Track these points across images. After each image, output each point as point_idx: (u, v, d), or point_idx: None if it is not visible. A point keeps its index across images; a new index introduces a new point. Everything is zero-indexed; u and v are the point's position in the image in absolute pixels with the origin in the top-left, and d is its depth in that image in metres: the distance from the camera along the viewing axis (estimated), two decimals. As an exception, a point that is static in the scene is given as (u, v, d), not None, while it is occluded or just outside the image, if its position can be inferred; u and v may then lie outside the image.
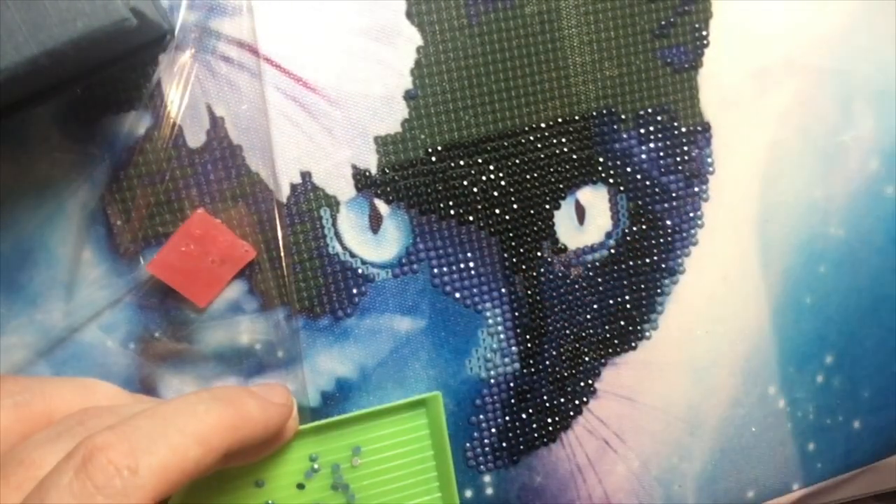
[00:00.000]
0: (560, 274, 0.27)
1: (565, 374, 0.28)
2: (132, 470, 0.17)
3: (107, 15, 0.19)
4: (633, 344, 0.29)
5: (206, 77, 0.24)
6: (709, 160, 0.28)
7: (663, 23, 0.27)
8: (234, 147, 0.24)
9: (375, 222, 0.26)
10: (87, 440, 0.18)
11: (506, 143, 0.26)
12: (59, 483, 0.17)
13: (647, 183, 0.28)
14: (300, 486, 0.26)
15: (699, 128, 0.28)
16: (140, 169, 0.24)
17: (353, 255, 0.26)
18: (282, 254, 0.25)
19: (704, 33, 0.27)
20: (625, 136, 0.27)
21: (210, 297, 0.24)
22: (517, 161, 0.26)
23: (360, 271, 0.26)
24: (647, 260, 0.28)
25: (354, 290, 0.26)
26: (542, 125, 0.26)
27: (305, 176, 0.25)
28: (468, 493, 0.28)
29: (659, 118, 0.27)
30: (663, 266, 0.28)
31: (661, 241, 0.28)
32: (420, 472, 0.27)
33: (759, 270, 0.29)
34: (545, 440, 0.28)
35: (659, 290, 0.28)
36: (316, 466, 0.26)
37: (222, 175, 0.24)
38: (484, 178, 0.26)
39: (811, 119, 0.28)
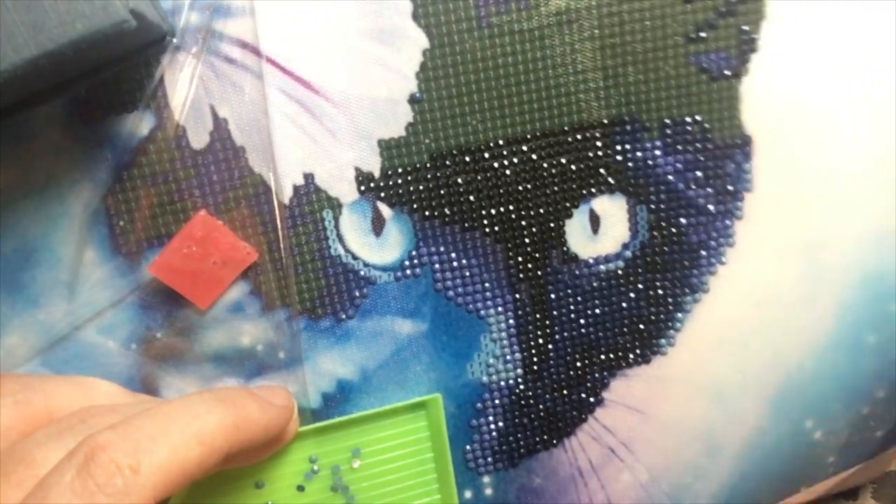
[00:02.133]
0: (570, 283, 0.27)
1: (571, 382, 0.28)
2: (134, 469, 0.18)
3: (106, 16, 0.19)
4: (648, 358, 0.27)
5: (210, 78, 0.23)
6: (747, 177, 0.26)
7: (700, 25, 0.24)
8: (236, 148, 0.24)
9: (378, 225, 0.25)
10: (88, 439, 0.18)
11: (514, 149, 0.25)
12: (61, 481, 0.17)
13: (672, 196, 0.26)
14: (300, 488, 0.26)
15: (738, 141, 0.25)
16: (143, 170, 0.24)
17: (355, 258, 0.26)
18: (283, 255, 0.25)
19: (755, 37, 0.24)
20: (648, 145, 0.25)
21: (211, 299, 0.24)
22: (526, 167, 0.25)
23: (361, 273, 0.26)
24: (668, 275, 0.27)
25: (356, 292, 0.26)
26: (556, 131, 0.25)
27: (308, 178, 0.25)
28: (467, 494, 0.28)
29: (689, 129, 0.25)
30: (685, 283, 0.27)
31: (685, 256, 0.26)
32: (420, 473, 0.27)
33: (807, 302, 0.26)
34: (546, 445, 0.28)
35: (679, 307, 0.27)
36: (316, 468, 0.26)
37: (225, 176, 0.24)
38: (490, 184, 0.25)
39: (883, 140, 0.25)
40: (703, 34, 0.24)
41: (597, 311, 0.27)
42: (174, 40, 0.23)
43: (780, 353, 0.27)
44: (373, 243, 0.26)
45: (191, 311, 0.25)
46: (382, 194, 0.25)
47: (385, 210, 0.25)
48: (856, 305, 0.27)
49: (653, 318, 0.27)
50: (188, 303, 0.24)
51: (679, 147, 0.25)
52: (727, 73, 0.25)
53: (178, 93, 0.23)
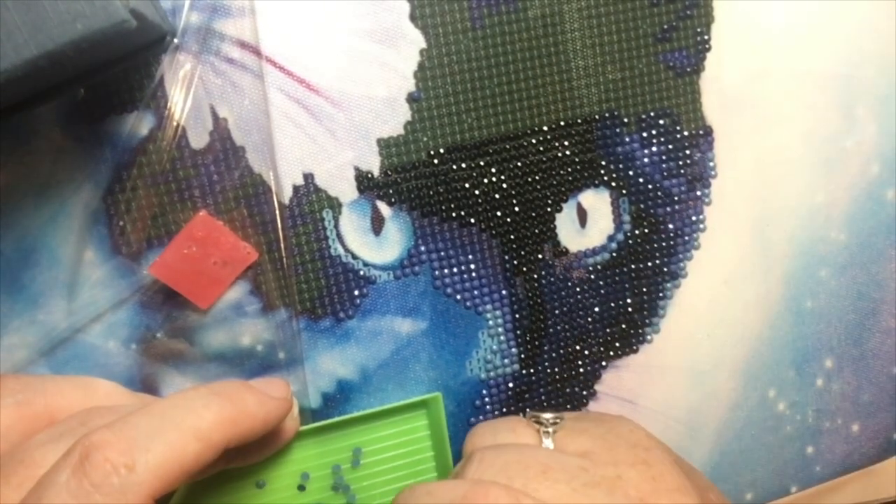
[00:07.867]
0: (561, 276, 0.27)
1: (565, 375, 0.28)
2: (129, 467, 0.17)
3: (106, 16, 0.19)
4: (635, 347, 0.29)
5: (210, 78, 0.24)
6: (711, 164, 0.28)
7: (665, 27, 0.26)
8: (236, 148, 0.24)
9: (377, 224, 0.26)
10: (83, 438, 0.18)
11: (508, 146, 0.26)
12: (57, 481, 0.17)
13: (650, 186, 0.27)
14: (301, 488, 0.26)
15: (701, 132, 0.28)
16: (143, 170, 0.24)
17: (354, 257, 0.26)
18: (284, 255, 0.25)
19: (706, 37, 0.27)
20: (627, 139, 0.27)
21: (212, 299, 0.24)
22: (519, 164, 0.26)
23: (361, 273, 0.26)
24: (650, 263, 0.28)
25: (356, 292, 0.26)
26: (545, 128, 0.26)
27: (308, 177, 0.25)
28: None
29: (661, 122, 0.27)
30: (665, 270, 0.28)
31: (664, 244, 0.28)
32: (420, 472, 0.27)
33: (760, 274, 0.29)
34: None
35: (661, 294, 0.28)
36: (316, 468, 0.26)
37: (225, 176, 0.24)
38: (486, 180, 0.26)
39: (813, 123, 0.28)
40: (668, 35, 0.27)
41: (587, 302, 0.28)
42: (174, 40, 0.23)
43: (745, 325, 0.29)
44: (372, 242, 0.26)
45: (191, 311, 0.25)
46: (381, 193, 0.25)
47: (384, 209, 0.26)
48: (794, 273, 0.29)
49: (639, 306, 0.28)
50: (188, 303, 0.24)
51: (654, 140, 0.27)
52: (688, 69, 0.27)
53: (179, 93, 0.23)
